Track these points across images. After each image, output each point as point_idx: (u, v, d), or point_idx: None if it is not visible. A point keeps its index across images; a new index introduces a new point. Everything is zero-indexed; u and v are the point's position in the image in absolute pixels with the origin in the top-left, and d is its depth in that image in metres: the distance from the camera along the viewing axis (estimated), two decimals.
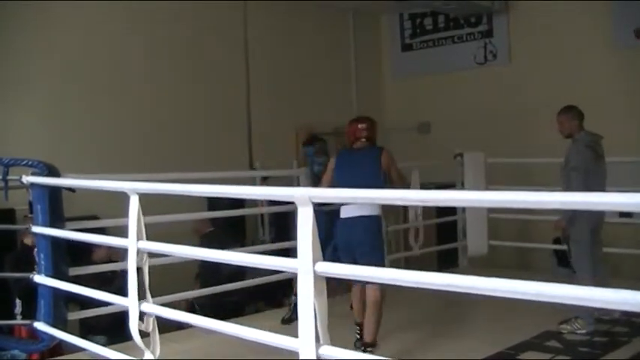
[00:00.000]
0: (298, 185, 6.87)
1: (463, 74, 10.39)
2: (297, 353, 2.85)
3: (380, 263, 5.02)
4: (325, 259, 2.78)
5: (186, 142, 8.45)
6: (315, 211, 2.64)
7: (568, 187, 5.50)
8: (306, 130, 9.79)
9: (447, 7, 9.84)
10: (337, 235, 5.32)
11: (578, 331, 5.46)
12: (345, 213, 5.24)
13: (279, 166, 8.39)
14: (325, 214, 5.28)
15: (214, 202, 7.44)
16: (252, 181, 8.35)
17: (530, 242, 8.46)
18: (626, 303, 2.01)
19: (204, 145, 8.58)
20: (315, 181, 6.26)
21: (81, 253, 5.72)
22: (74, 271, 5.02)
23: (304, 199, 2.79)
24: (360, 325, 5.32)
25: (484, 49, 10.31)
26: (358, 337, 5.31)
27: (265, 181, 8.41)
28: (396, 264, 7.74)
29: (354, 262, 4.91)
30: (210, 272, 6.77)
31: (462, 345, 5.35)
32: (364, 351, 4.90)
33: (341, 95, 10.64)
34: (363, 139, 5.61)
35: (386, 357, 2.82)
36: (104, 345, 4.76)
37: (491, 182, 7.76)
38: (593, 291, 2.11)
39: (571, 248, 5.77)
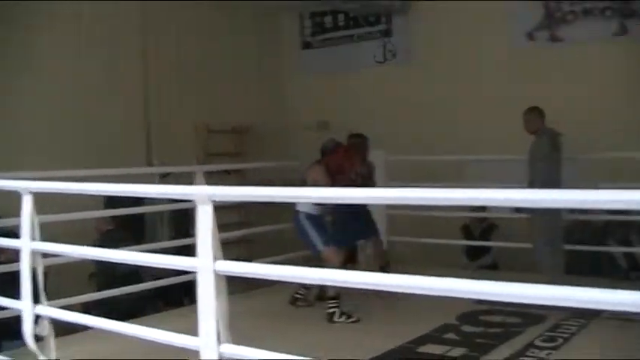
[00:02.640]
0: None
1: (363, 73, 10.49)
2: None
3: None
4: None
5: (83, 139, 8.24)
6: None
7: (535, 178, 6.20)
8: (206, 127, 9.74)
9: (346, 5, 9.93)
10: None
11: None
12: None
13: (178, 163, 8.28)
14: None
15: (112, 200, 7.28)
16: (150, 179, 8.21)
17: (431, 238, 8.60)
18: (519, 296, 2.08)
19: (102, 142, 8.38)
20: None
21: None
22: None
23: (203, 197, 2.77)
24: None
25: (383, 48, 10.44)
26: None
27: (164, 178, 8.30)
28: (296, 262, 7.77)
29: None
30: (107, 272, 6.64)
31: (364, 339, 5.41)
32: None
33: (242, 93, 10.58)
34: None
35: (289, 356, 2.82)
36: None
37: (392, 179, 7.86)
38: (503, 286, 2.17)
39: None
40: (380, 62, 10.44)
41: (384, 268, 6.91)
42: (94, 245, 6.17)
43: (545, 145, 6.31)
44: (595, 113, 8.21)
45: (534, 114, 6.48)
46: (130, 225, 7.65)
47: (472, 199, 2.56)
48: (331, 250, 6.19)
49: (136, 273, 6.44)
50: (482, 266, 8.21)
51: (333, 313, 5.95)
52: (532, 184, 6.18)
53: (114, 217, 7.08)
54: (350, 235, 6.90)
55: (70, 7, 8.09)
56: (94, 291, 6.50)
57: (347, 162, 6.60)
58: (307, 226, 6.26)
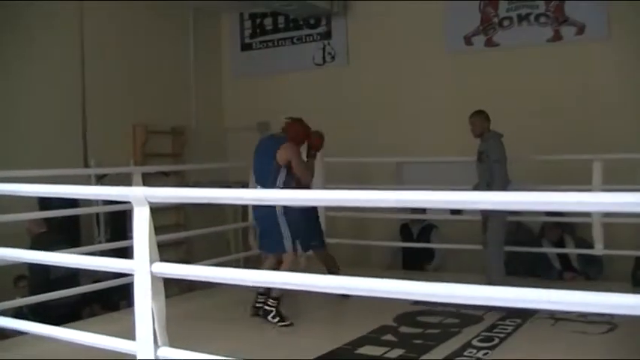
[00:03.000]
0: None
1: (302, 75, 10.49)
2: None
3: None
4: None
5: (18, 139, 8.06)
6: None
7: (490, 178, 6.26)
8: (144, 128, 9.62)
9: (286, 7, 9.92)
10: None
11: None
12: None
13: (116, 164, 8.18)
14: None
15: (46, 201, 7.14)
16: (87, 180, 8.09)
17: (367, 240, 8.67)
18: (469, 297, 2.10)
19: (37, 142, 8.20)
20: None
21: None
22: None
23: (140, 198, 2.74)
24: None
25: (323, 50, 10.46)
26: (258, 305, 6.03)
27: (101, 179, 8.19)
28: (235, 264, 7.74)
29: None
30: (38, 275, 6.51)
31: (302, 341, 5.41)
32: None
33: (180, 94, 10.51)
34: (281, 130, 6.22)
35: (227, 358, 2.80)
36: None
37: (329, 181, 7.89)
38: (442, 287, 2.19)
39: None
40: (319, 64, 10.46)
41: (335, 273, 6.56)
42: (27, 248, 6.05)
43: (497, 148, 6.41)
44: (530, 118, 8.37)
45: (481, 117, 6.57)
46: (64, 227, 7.52)
47: (425, 201, 2.58)
48: (293, 254, 6.05)
49: (71, 276, 6.32)
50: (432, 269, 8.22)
51: (270, 311, 5.86)
52: (490, 187, 6.24)
53: (47, 219, 6.94)
54: (303, 238, 6.59)
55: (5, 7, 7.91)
56: (22, 295, 6.36)
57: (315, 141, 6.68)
58: (282, 222, 5.95)
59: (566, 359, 4.67)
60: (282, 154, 5.98)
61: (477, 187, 6.45)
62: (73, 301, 6.52)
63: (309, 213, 6.76)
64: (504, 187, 6.19)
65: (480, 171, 6.47)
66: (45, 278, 6.42)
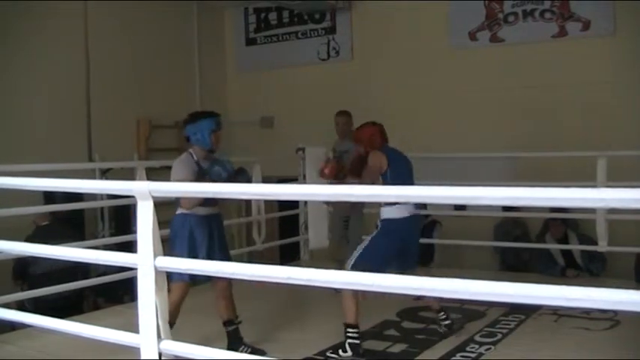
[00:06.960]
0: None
1: (306, 70, 10.49)
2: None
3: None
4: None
5: (22, 132, 8.08)
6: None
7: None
8: (148, 122, 9.62)
9: (291, 2, 9.92)
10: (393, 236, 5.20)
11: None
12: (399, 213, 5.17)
13: (120, 158, 8.19)
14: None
15: (50, 194, 7.15)
16: (91, 174, 8.11)
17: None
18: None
19: (42, 136, 8.22)
20: None
21: None
22: None
23: (144, 193, 2.74)
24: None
25: (327, 45, 10.46)
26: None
27: (105, 174, 8.21)
28: (239, 258, 7.74)
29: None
30: (39, 267, 6.52)
31: (304, 337, 5.42)
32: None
33: (184, 88, 10.51)
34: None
35: (229, 352, 2.81)
36: None
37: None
38: (445, 282, 2.19)
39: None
40: (323, 59, 10.45)
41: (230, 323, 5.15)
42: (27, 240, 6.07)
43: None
44: (535, 114, 8.36)
45: (350, 117, 6.91)
46: (69, 221, 7.53)
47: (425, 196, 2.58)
48: None
49: (61, 270, 6.30)
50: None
51: None
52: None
53: (51, 212, 6.95)
54: None
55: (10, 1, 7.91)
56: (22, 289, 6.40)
57: None
58: None
59: (569, 356, 4.67)
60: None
61: None
62: (76, 294, 6.53)
63: None
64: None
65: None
66: (26, 271, 6.44)
